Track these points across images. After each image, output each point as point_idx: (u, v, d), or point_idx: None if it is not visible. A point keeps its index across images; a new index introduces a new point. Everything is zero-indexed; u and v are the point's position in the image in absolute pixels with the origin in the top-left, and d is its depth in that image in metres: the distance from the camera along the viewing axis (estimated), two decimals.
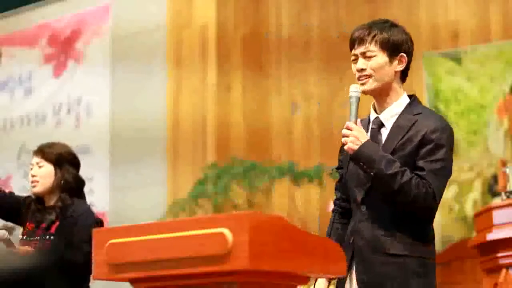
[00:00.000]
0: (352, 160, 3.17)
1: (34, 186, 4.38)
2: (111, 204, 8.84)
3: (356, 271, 3.11)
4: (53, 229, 4.26)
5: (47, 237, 4.26)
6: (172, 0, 8.88)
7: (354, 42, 3.29)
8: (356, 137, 3.12)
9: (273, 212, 7.78)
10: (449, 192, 7.75)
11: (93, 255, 2.46)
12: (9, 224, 4.91)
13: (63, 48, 9.69)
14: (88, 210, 4.36)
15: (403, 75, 3.29)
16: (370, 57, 3.22)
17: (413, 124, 3.17)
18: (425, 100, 7.96)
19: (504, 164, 5.24)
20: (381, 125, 3.24)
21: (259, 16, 8.67)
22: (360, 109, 3.17)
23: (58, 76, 9.69)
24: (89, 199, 4.60)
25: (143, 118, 8.74)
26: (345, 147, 3.14)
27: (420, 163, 3.12)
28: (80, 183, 4.43)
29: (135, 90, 8.88)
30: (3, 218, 4.59)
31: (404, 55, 3.25)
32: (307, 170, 7.85)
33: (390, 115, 3.24)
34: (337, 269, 2.46)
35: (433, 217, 3.21)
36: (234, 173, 7.85)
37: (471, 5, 7.98)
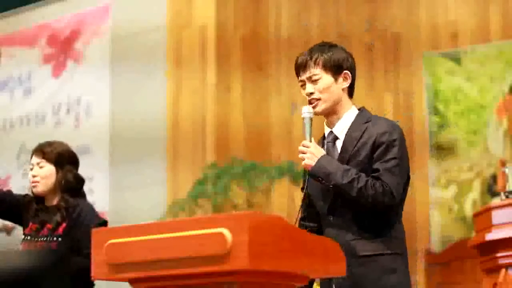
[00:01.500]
0: (310, 176, 3.34)
1: (34, 187, 4.34)
2: (111, 204, 8.83)
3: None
4: (60, 230, 4.23)
5: (55, 238, 4.23)
6: (172, 0, 8.88)
7: (298, 68, 3.51)
8: (312, 153, 3.32)
9: (272, 212, 7.78)
10: (449, 192, 7.76)
11: (92, 255, 2.46)
12: (9, 224, 4.90)
13: (62, 48, 9.69)
14: (93, 211, 4.34)
15: (350, 89, 3.46)
16: (316, 80, 3.41)
17: (364, 131, 3.36)
18: (424, 100, 7.96)
19: (503, 164, 5.24)
20: (336, 138, 3.43)
21: (259, 16, 8.67)
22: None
23: (58, 76, 9.69)
24: (89, 199, 4.58)
25: (143, 118, 8.74)
26: (303, 163, 3.33)
27: (375, 165, 3.29)
28: (81, 182, 4.41)
29: (135, 90, 8.88)
30: (3, 217, 4.55)
31: (348, 72, 3.42)
32: None
33: (342, 127, 3.41)
34: (336, 269, 2.47)
35: (399, 213, 3.36)
36: (234, 173, 7.85)
37: (471, 5, 7.98)
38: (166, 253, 2.29)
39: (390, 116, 8.01)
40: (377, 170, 3.27)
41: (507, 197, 4.86)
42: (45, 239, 4.24)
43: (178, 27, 8.77)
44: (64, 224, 4.23)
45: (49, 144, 4.40)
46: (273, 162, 8.12)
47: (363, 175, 3.24)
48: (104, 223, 4.28)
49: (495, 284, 4.67)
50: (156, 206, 8.17)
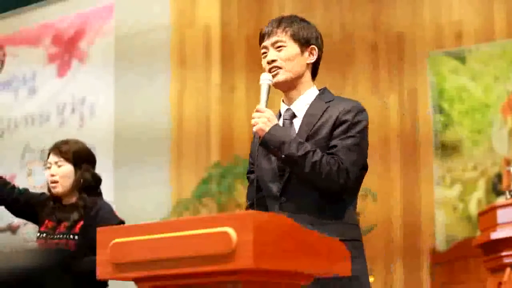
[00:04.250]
0: (261, 145, 3.11)
1: (54, 187, 4.29)
2: (115, 204, 8.77)
3: None
4: (77, 229, 4.21)
5: (71, 236, 4.20)
6: (176, 0, 8.88)
7: (264, 35, 3.28)
8: (267, 118, 3.10)
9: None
10: (453, 191, 7.75)
11: (97, 254, 2.46)
12: (14, 223, 4.90)
13: (67, 48, 9.70)
14: (111, 210, 4.30)
15: (314, 70, 3.29)
16: (280, 47, 3.22)
17: (325, 110, 3.15)
18: (429, 99, 7.95)
19: (508, 163, 5.23)
20: (293, 115, 3.22)
21: (262, 16, 8.67)
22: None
23: (62, 76, 9.70)
24: None
25: (147, 118, 8.74)
26: (255, 128, 3.10)
27: (333, 142, 3.08)
28: (98, 181, 4.37)
29: (139, 90, 8.88)
30: (18, 216, 4.52)
31: (315, 47, 3.26)
32: None
33: (301, 105, 3.22)
34: (341, 268, 2.46)
35: (355, 199, 3.16)
36: (238, 173, 7.84)
37: (475, 5, 7.97)
38: (170, 252, 2.29)
39: (394, 115, 8.02)
40: (335, 147, 3.06)
41: (511, 196, 4.86)
42: (61, 236, 4.21)
43: (182, 26, 8.77)
44: (81, 223, 4.20)
45: (66, 142, 4.34)
46: None
47: (318, 150, 3.03)
48: (121, 222, 4.24)
49: (499, 283, 4.67)
50: (161, 205, 8.18)
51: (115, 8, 9.36)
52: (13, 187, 4.43)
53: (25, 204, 4.38)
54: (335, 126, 3.10)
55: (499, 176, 7.40)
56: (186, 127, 8.56)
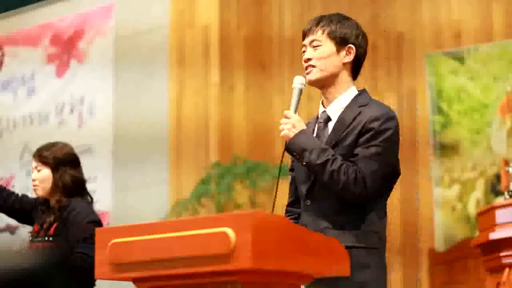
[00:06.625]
0: (286, 150, 3.13)
1: (35, 190, 4.48)
2: (114, 204, 8.84)
3: None
4: (52, 231, 4.33)
5: (47, 238, 4.32)
6: (175, 0, 8.88)
7: (304, 34, 3.28)
8: (293, 124, 3.09)
9: (276, 211, 7.77)
10: (452, 191, 7.75)
11: (95, 255, 2.46)
12: (13, 224, 5.02)
13: (66, 48, 9.69)
14: (86, 210, 4.39)
15: (355, 70, 3.25)
16: (316, 46, 3.20)
17: (357, 115, 3.12)
18: (427, 99, 7.95)
19: (507, 163, 5.23)
20: (328, 118, 3.20)
21: (262, 17, 8.67)
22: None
23: (61, 76, 9.69)
24: None
25: (146, 117, 8.74)
26: (281, 134, 3.11)
27: (357, 150, 3.06)
28: (77, 182, 4.48)
29: (138, 90, 8.88)
30: (18, 220, 4.70)
31: (353, 46, 3.23)
32: None
33: (336, 108, 3.18)
34: (340, 268, 2.46)
35: (380, 207, 3.13)
36: (237, 173, 7.84)
37: (474, 5, 7.97)
38: (169, 253, 2.29)
39: None
40: (356, 155, 3.05)
41: (510, 196, 4.87)
42: (40, 239, 4.35)
43: (181, 27, 8.76)
44: (55, 225, 4.32)
45: (48, 147, 4.52)
46: (277, 162, 8.07)
47: (339, 157, 3.03)
48: (96, 221, 4.33)
49: (498, 284, 4.67)
50: (159, 206, 8.17)
51: (115, 8, 9.35)
52: (10, 193, 4.58)
53: (21, 210, 4.58)
54: (361, 133, 3.08)
55: (498, 177, 7.40)
56: (185, 127, 8.55)
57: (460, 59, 7.93)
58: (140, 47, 9.00)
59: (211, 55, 8.50)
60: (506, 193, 4.93)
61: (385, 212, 3.17)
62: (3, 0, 10.13)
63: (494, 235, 4.71)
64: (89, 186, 4.69)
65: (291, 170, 3.35)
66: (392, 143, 3.10)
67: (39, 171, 4.45)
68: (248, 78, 8.46)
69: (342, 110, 3.16)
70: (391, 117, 3.12)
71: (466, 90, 7.89)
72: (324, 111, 3.21)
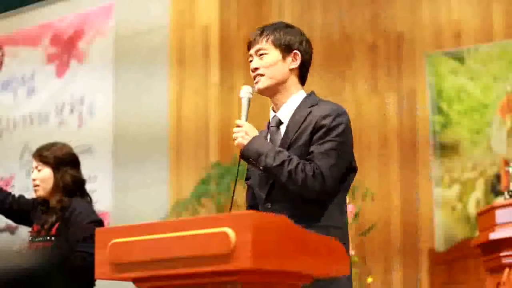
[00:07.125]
0: (241, 157, 3.17)
1: (36, 191, 4.48)
2: (114, 204, 8.84)
3: None
4: (53, 231, 4.33)
5: (48, 238, 4.32)
6: (175, 0, 8.88)
7: (249, 44, 3.39)
8: (245, 132, 3.15)
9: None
10: (452, 191, 7.75)
11: (95, 255, 2.46)
12: (13, 225, 5.03)
13: (66, 48, 9.69)
14: (87, 210, 4.40)
15: (302, 75, 3.30)
16: (262, 55, 3.30)
17: (308, 114, 3.17)
18: (427, 99, 7.95)
19: (507, 163, 5.24)
20: (280, 122, 3.25)
21: (261, 17, 8.67)
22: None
23: (61, 76, 9.69)
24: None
25: (146, 118, 8.74)
26: (235, 143, 3.16)
27: (312, 147, 3.11)
28: (80, 182, 4.49)
29: (138, 90, 8.88)
30: (16, 221, 4.70)
31: (298, 52, 3.26)
32: None
33: (287, 112, 3.24)
34: (340, 268, 2.46)
35: (341, 203, 3.16)
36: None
37: (474, 5, 7.97)
38: (169, 253, 2.29)
39: (393, 115, 8.03)
40: (311, 153, 3.09)
41: (510, 196, 4.87)
42: (41, 239, 4.35)
43: (181, 27, 8.77)
44: (57, 225, 4.32)
45: (48, 147, 4.52)
46: None
47: (294, 157, 3.07)
48: (97, 221, 4.35)
49: (498, 284, 4.67)
50: (159, 206, 8.17)
51: (115, 8, 9.35)
52: (7, 194, 4.58)
53: (19, 210, 4.58)
54: (314, 131, 3.13)
55: (498, 177, 7.40)
56: (185, 127, 8.55)
57: (460, 59, 7.93)
58: (140, 47, 9.00)
59: (211, 55, 8.50)
60: (506, 193, 4.94)
61: (346, 208, 3.22)
62: (3, 0, 10.13)
63: (494, 235, 4.71)
64: (89, 186, 4.70)
65: (247, 179, 3.40)
66: (345, 138, 3.15)
67: (39, 171, 4.45)
68: (248, 78, 8.43)
69: (293, 112, 3.23)
70: (341, 112, 3.17)
71: (466, 90, 7.89)
72: (275, 115, 3.28)
